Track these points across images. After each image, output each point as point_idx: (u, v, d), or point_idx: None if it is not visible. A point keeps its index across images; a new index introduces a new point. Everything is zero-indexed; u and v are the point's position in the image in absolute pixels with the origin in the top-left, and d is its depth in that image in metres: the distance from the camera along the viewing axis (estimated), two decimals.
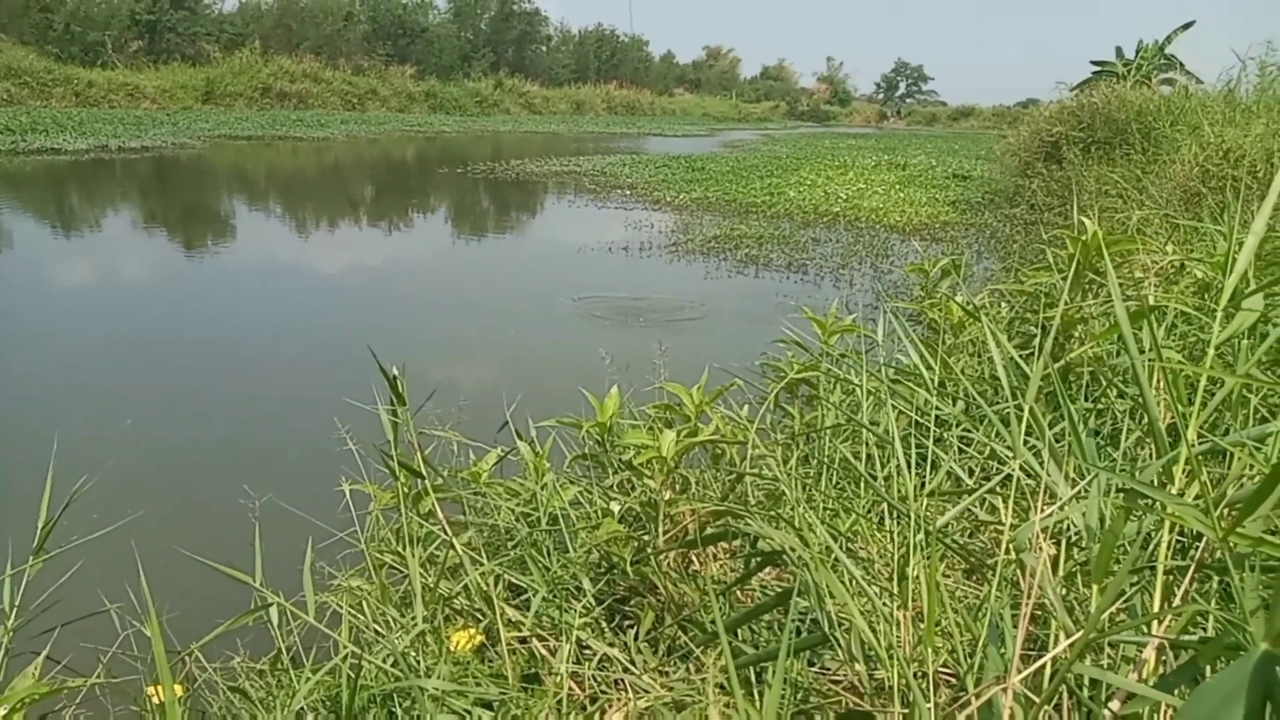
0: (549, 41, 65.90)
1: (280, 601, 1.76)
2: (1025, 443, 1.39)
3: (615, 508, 2.29)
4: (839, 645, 1.40)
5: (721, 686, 1.63)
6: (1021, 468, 1.43)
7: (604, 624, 1.99)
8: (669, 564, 2.14)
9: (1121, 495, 1.37)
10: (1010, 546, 1.33)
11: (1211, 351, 1.30)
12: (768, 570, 2.10)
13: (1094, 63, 25.78)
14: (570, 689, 1.71)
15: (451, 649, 1.80)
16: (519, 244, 12.59)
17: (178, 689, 1.55)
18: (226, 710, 1.87)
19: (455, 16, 57.54)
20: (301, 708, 1.65)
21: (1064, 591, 1.40)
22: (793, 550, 1.47)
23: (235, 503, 2.20)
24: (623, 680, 1.71)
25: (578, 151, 28.36)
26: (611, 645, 1.81)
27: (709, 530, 1.98)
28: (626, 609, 2.12)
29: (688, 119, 64.48)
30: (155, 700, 1.71)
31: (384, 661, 1.73)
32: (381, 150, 27.97)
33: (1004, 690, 1.00)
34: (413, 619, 1.81)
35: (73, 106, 31.81)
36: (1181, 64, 23.62)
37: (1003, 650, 1.14)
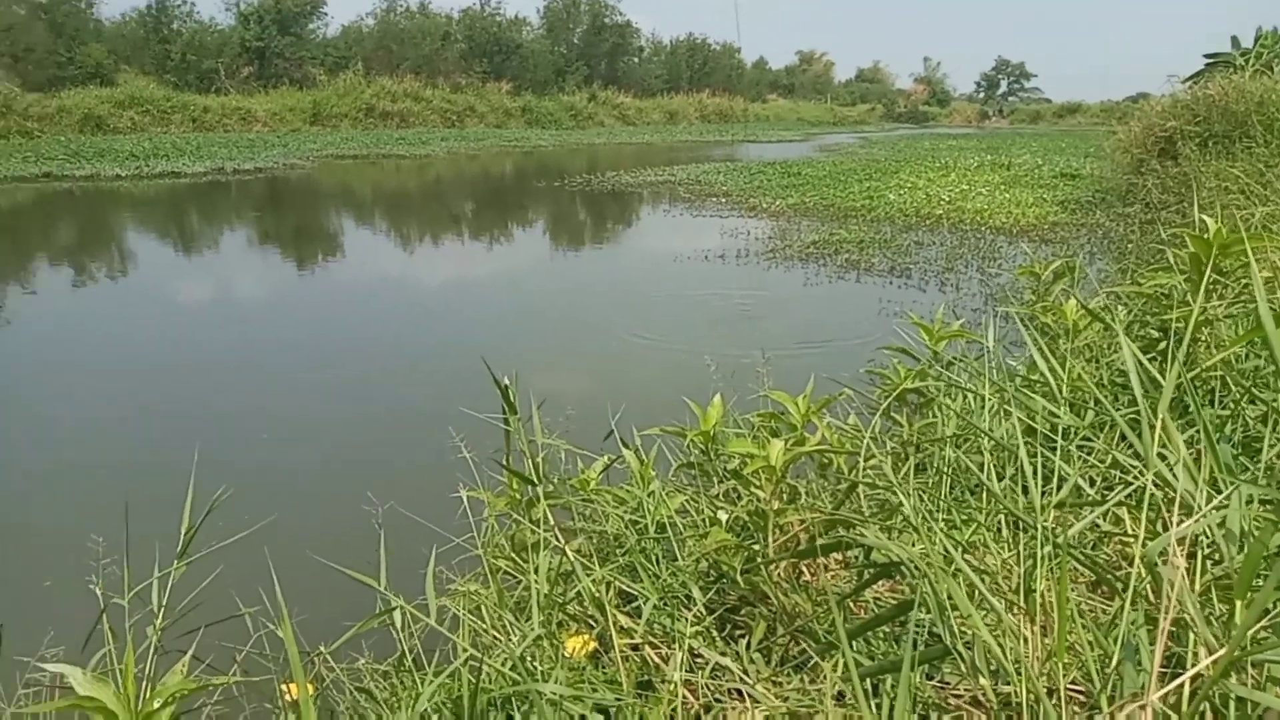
0: (641, 53, 66.38)
1: (403, 605, 1.81)
2: (1156, 452, 1.35)
3: (723, 516, 2.30)
4: (961, 658, 1.37)
5: (838, 697, 1.61)
6: (1153, 477, 1.38)
7: (715, 633, 1.99)
8: (779, 574, 2.13)
9: (1263, 506, 1.31)
10: (1142, 559, 1.29)
11: None
12: (883, 582, 2.07)
13: (1207, 55, 24.58)
14: (684, 697, 1.72)
15: (567, 654, 1.83)
16: (616, 254, 12.71)
17: (309, 688, 1.62)
18: (353, 709, 1.94)
19: (549, 32, 58.48)
20: (425, 709, 1.70)
21: (1200, 607, 1.35)
22: (912, 561, 1.45)
23: (360, 510, 2.29)
24: (737, 690, 1.71)
25: (671, 161, 28.46)
26: (724, 654, 1.81)
27: (821, 540, 1.97)
28: (737, 618, 2.12)
29: (782, 125, 64.05)
30: (288, 698, 1.79)
31: (502, 665, 1.77)
32: (481, 165, 28.60)
33: (1142, 708, 0.97)
34: (529, 624, 1.85)
35: (190, 131, 33.48)
36: None
37: (1139, 666, 1.10)
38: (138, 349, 7.39)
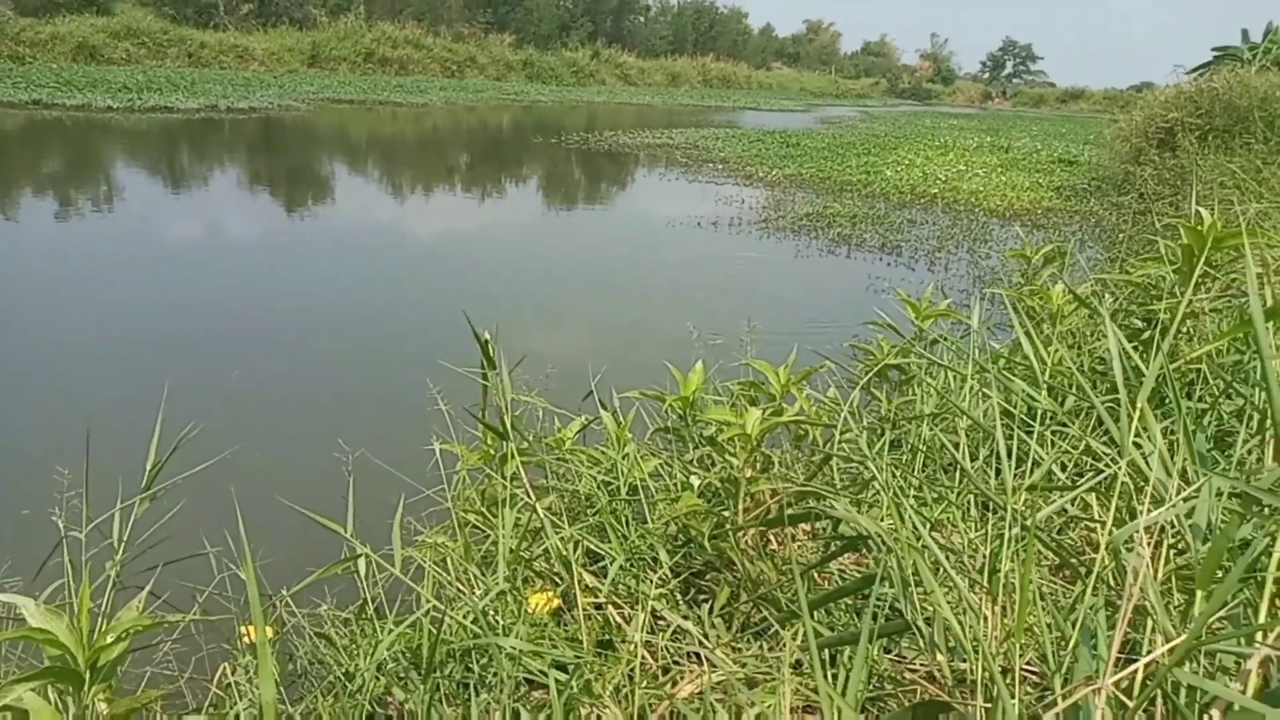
0: (647, 12, 65.61)
1: (369, 553, 1.81)
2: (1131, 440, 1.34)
3: (695, 482, 2.29)
4: (920, 634, 1.37)
5: (795, 666, 1.62)
6: (1125, 466, 1.38)
7: (679, 596, 1.99)
8: (747, 541, 2.13)
9: (1233, 499, 1.31)
10: (1108, 546, 1.28)
11: None
12: (846, 555, 2.07)
13: (1215, 49, 24.45)
14: (643, 658, 1.73)
15: (529, 610, 1.83)
16: (609, 216, 12.62)
17: (269, 631, 1.61)
18: (312, 654, 1.94)
19: None
20: (384, 658, 1.70)
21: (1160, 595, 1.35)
22: (879, 536, 1.45)
23: (330, 456, 2.27)
24: (696, 653, 1.71)
25: (671, 124, 28.24)
26: (686, 618, 1.81)
27: (791, 511, 1.97)
28: (702, 583, 2.13)
29: (784, 94, 63.56)
30: (247, 640, 1.78)
31: (464, 618, 1.76)
32: (478, 118, 28.30)
33: (1096, 692, 0.97)
34: (494, 578, 1.84)
35: (186, 67, 32.92)
36: None
37: (1094, 651, 1.10)
38: (116, 283, 7.31)
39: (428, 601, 1.73)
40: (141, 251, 8.59)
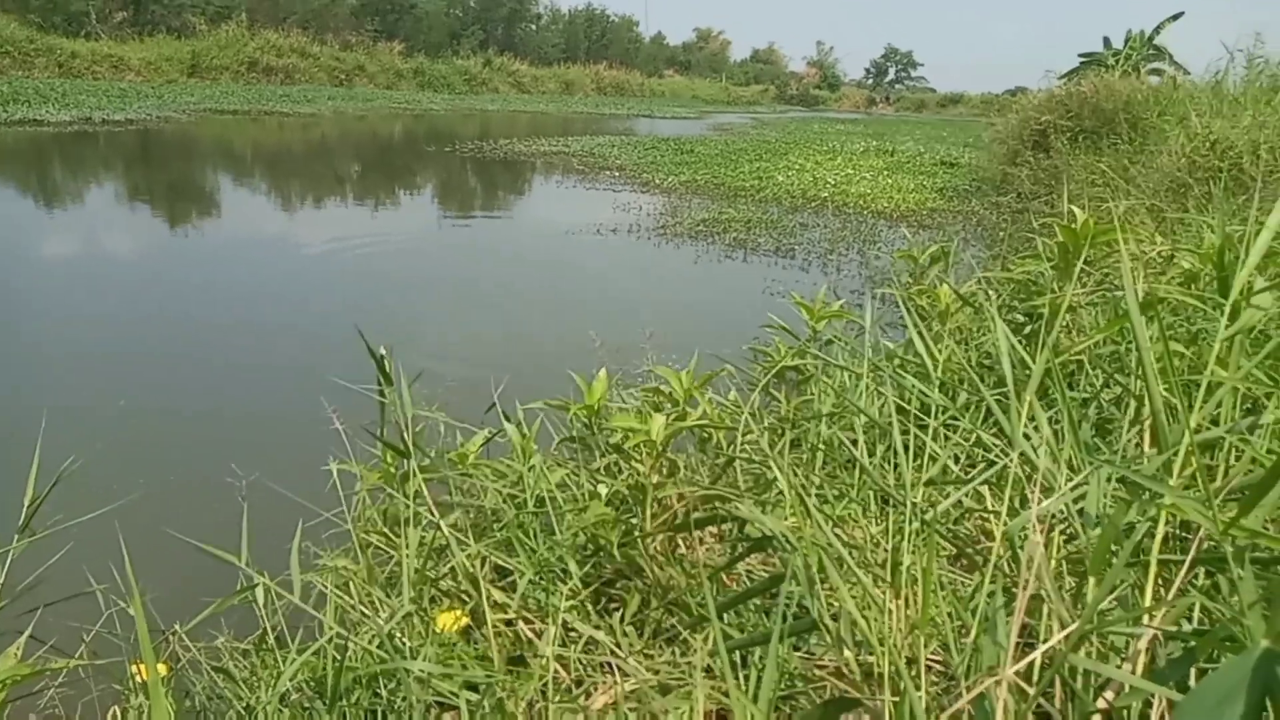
0: (539, 20, 65.47)
1: (266, 581, 1.74)
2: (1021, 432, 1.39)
3: (603, 491, 2.29)
4: (828, 631, 1.39)
5: (708, 670, 1.62)
6: (1016, 457, 1.43)
7: (590, 607, 1.98)
8: (656, 548, 2.13)
9: (1118, 486, 1.37)
10: (1003, 535, 1.33)
11: (1218, 345, 1.30)
12: (754, 556, 2.09)
13: (1081, 55, 25.75)
14: (556, 671, 1.71)
15: (437, 631, 1.79)
16: (506, 225, 12.53)
17: (161, 668, 1.54)
18: (211, 690, 1.86)
19: None
20: (287, 688, 1.64)
21: (1055, 582, 1.40)
22: (783, 535, 1.47)
23: (222, 481, 2.18)
24: (609, 663, 1.70)
25: (566, 132, 28.21)
26: (598, 628, 1.80)
27: (697, 514, 1.98)
28: (613, 592, 2.12)
29: (677, 101, 64.20)
30: (139, 679, 1.70)
31: (370, 643, 1.71)
32: (369, 127, 27.75)
33: (998, 682, 1.00)
34: (399, 600, 1.80)
35: (56, 77, 31.35)
36: (1170, 55, 23.63)
37: (996, 640, 1.14)
38: None
39: (330, 628, 1.68)
40: (12, 272, 8.12)
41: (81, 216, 11.49)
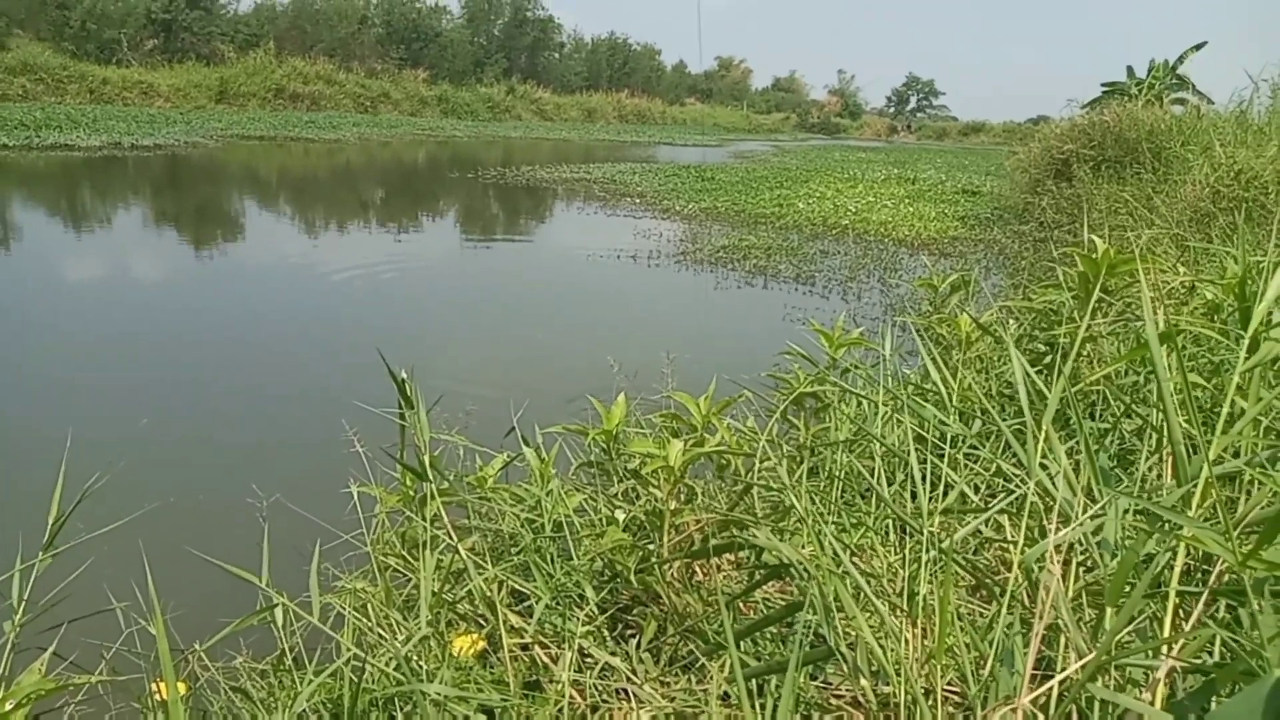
0: (562, 49, 66.07)
1: (285, 602, 1.75)
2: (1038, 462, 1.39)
3: (620, 516, 2.29)
4: (844, 660, 1.39)
5: (724, 697, 1.62)
6: (1034, 486, 1.42)
7: (606, 633, 1.98)
8: (673, 574, 2.13)
9: (1137, 516, 1.36)
10: (1020, 565, 1.32)
11: (1236, 378, 1.29)
12: (771, 584, 2.09)
13: (1104, 84, 25.72)
14: (571, 697, 1.71)
15: (454, 654, 1.80)
16: (528, 250, 12.60)
17: (180, 687, 1.55)
18: (228, 710, 1.87)
19: (469, 22, 57.75)
20: (303, 710, 1.65)
21: (1073, 612, 1.39)
22: (801, 563, 1.47)
23: (244, 502, 2.20)
24: (625, 690, 1.70)
25: (588, 159, 28.40)
26: (614, 654, 1.80)
27: (714, 541, 1.98)
28: (629, 618, 2.12)
29: (698, 129, 64.54)
30: (158, 697, 1.71)
31: (387, 665, 1.72)
32: (393, 153, 28.05)
33: (1013, 710, 0.99)
34: (416, 623, 1.80)
35: (87, 103, 31.92)
36: (1193, 84, 23.51)
37: (1012, 670, 1.13)
38: (11, 328, 7.01)
39: (348, 649, 1.68)
40: (41, 294, 8.24)
41: (109, 240, 11.66)
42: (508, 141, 36.69)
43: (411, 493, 2.24)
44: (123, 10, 40.25)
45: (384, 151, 28.20)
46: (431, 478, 2.08)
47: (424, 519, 2.07)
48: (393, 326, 7.78)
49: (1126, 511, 1.37)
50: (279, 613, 1.83)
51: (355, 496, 2.29)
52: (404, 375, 2.13)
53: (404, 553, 2.30)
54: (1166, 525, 1.13)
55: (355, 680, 1.58)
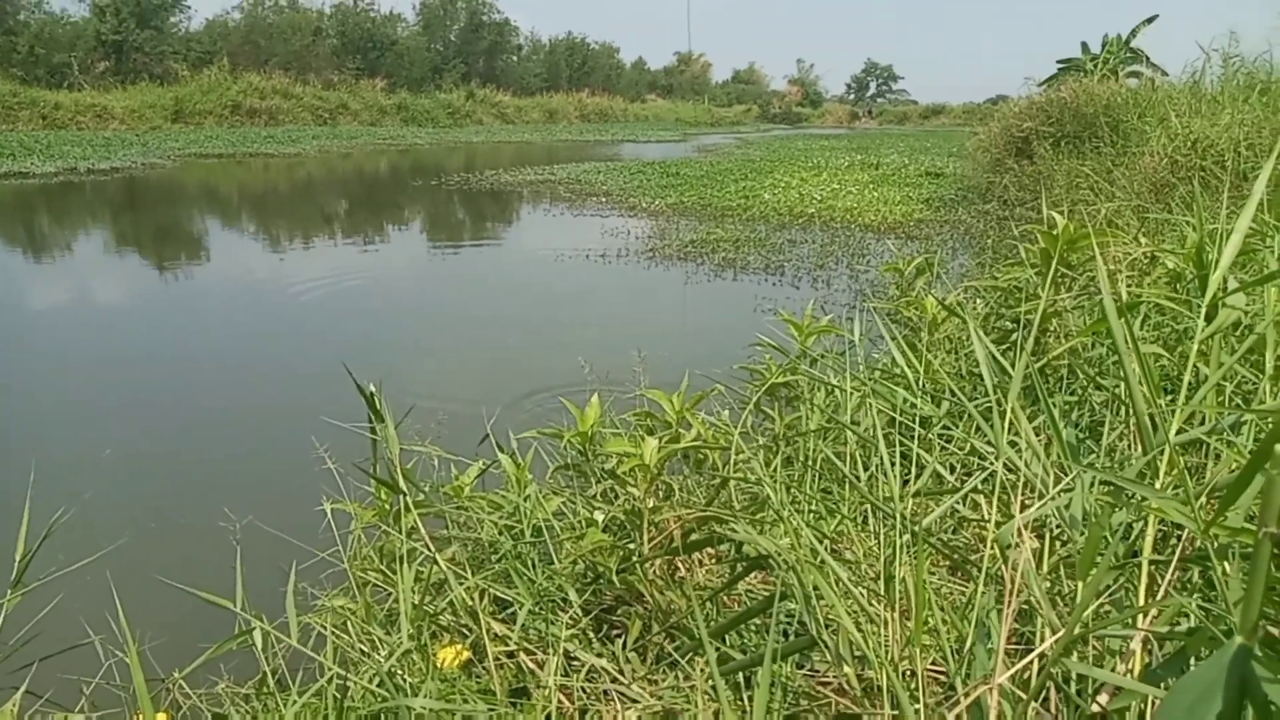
0: (519, 51, 65.87)
1: (263, 625, 1.74)
2: (1007, 439, 1.40)
3: (599, 517, 2.29)
4: (826, 648, 1.39)
5: (710, 693, 1.62)
6: (1004, 463, 1.43)
7: (591, 634, 1.98)
8: (655, 572, 2.13)
9: (1105, 488, 1.38)
10: (995, 543, 1.33)
11: (1195, 346, 1.31)
12: (754, 575, 2.10)
13: (1059, 61, 25.97)
14: (559, 702, 1.70)
15: (438, 666, 1.79)
16: (495, 253, 12.55)
17: (161, 717, 1.53)
18: None
19: (424, 29, 57.42)
20: None
21: (1049, 586, 1.41)
22: (779, 554, 1.47)
23: (216, 526, 2.18)
24: (611, 691, 1.70)
25: (551, 160, 28.34)
26: (599, 656, 1.80)
27: (694, 537, 1.98)
28: (614, 618, 2.11)
29: (661, 125, 64.57)
30: None
31: (370, 682, 1.71)
32: (354, 164, 27.85)
33: (991, 690, 1.00)
34: (398, 637, 1.79)
35: (40, 129, 31.47)
36: (1147, 57, 23.82)
37: (990, 648, 1.14)
38: None
39: (330, 668, 1.67)
40: (0, 325, 8.12)
41: (68, 265, 11.50)
42: (470, 146, 36.53)
43: (387, 506, 2.23)
44: (71, 34, 39.69)
45: (345, 163, 28.00)
46: (406, 490, 2.07)
47: (401, 532, 2.05)
48: (361, 338, 7.73)
49: (1094, 484, 1.38)
50: (258, 635, 1.81)
51: (329, 513, 2.28)
52: (372, 388, 2.11)
53: (382, 567, 2.28)
54: (1133, 497, 1.14)
55: (339, 699, 1.57)
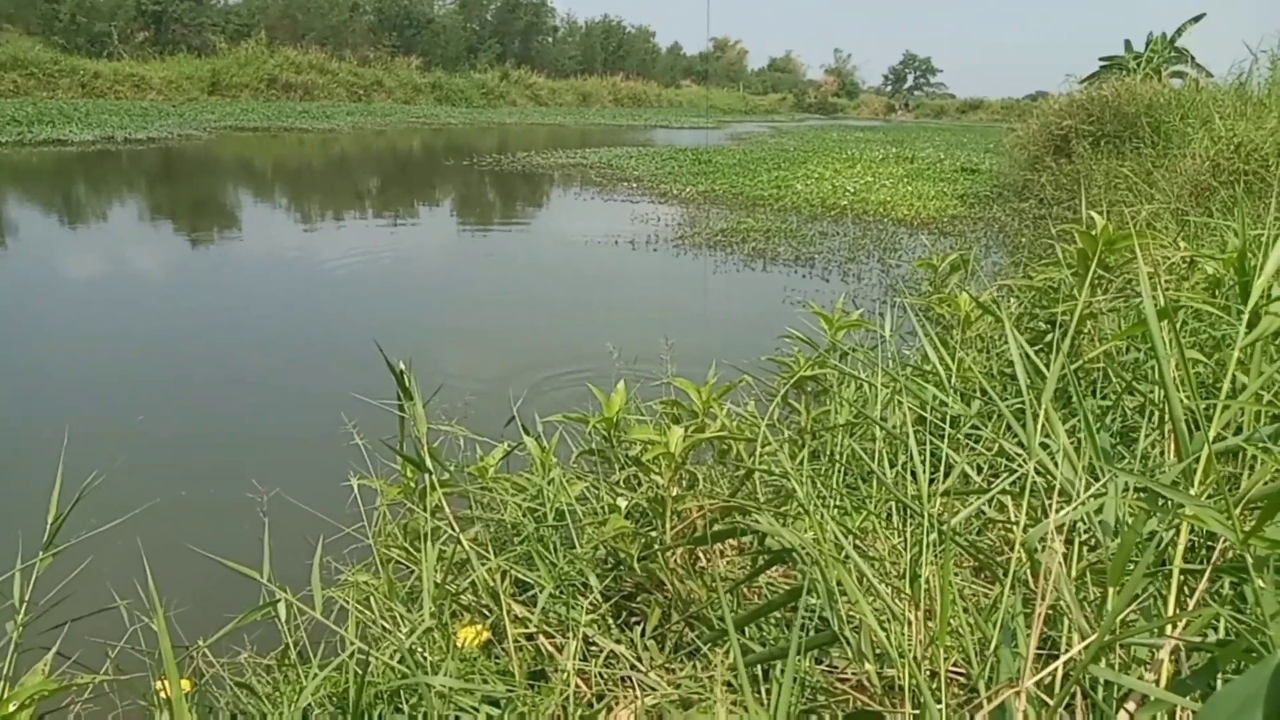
0: (555, 33, 65.75)
1: (288, 597, 1.75)
2: (1039, 441, 1.38)
3: (622, 503, 2.29)
4: (848, 644, 1.39)
5: (729, 684, 1.62)
6: (1034, 466, 1.42)
7: (610, 621, 1.98)
8: (676, 561, 2.13)
9: (1139, 494, 1.36)
10: (1022, 546, 1.32)
11: (1236, 354, 1.28)
12: (775, 568, 2.09)
13: (1102, 59, 25.60)
14: (577, 686, 1.71)
15: (458, 645, 1.80)
16: (524, 236, 12.57)
17: (185, 684, 1.55)
18: (234, 706, 1.87)
19: (461, 8, 57.43)
20: (309, 704, 1.65)
21: (1075, 592, 1.39)
22: (803, 548, 1.46)
23: (244, 497, 2.20)
24: (629, 678, 1.70)
25: (584, 143, 28.31)
26: (618, 642, 1.80)
27: (717, 527, 1.97)
28: (633, 605, 2.12)
29: (695, 111, 64.26)
30: (163, 695, 1.71)
31: (391, 658, 1.72)
32: (387, 142, 27.96)
33: (1017, 694, 0.99)
34: (420, 615, 1.80)
35: (79, 98, 31.79)
36: (1192, 57, 23.40)
37: (1015, 651, 1.13)
38: (7, 324, 7.00)
39: (352, 643, 1.69)
40: (37, 291, 8.24)
41: (103, 234, 11.64)
42: (503, 128, 36.56)
43: (412, 484, 2.24)
44: (113, 3, 40.03)
45: (378, 140, 28.11)
46: (432, 469, 2.08)
47: (425, 510, 2.07)
48: (391, 315, 7.77)
49: (1128, 490, 1.37)
50: (282, 608, 1.83)
51: (356, 489, 2.29)
52: (402, 366, 2.12)
53: (406, 545, 2.30)
54: (1167, 503, 1.12)
55: (360, 674, 1.58)
